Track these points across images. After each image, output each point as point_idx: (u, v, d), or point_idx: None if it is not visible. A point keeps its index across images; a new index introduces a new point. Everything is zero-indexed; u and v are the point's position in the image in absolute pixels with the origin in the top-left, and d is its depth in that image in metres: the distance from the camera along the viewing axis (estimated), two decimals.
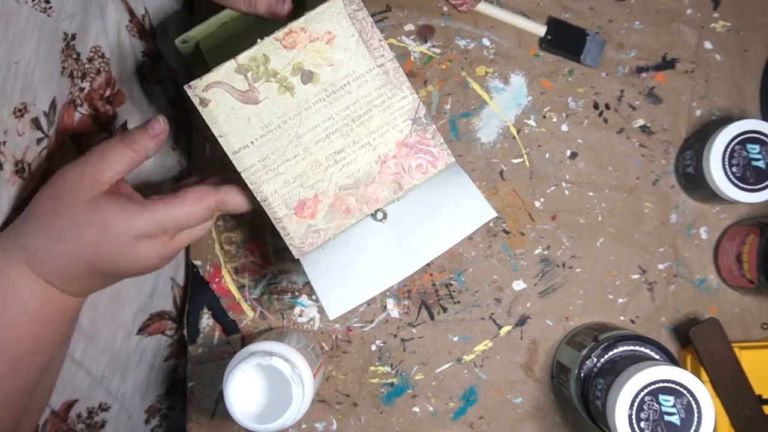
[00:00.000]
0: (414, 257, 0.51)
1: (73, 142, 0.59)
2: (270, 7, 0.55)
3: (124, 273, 0.52)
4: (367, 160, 0.51)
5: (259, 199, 0.51)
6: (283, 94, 0.50)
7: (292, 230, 0.52)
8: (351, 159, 0.51)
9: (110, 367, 0.67)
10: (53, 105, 0.56)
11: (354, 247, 0.52)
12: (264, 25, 0.54)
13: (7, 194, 0.51)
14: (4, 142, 0.51)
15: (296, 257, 0.52)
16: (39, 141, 0.54)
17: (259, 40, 0.49)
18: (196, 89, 0.50)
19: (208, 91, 0.50)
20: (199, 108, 0.50)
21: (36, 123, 0.54)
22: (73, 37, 0.58)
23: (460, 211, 0.51)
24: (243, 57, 0.49)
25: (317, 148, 0.51)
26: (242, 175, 0.51)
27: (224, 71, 0.50)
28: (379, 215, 0.52)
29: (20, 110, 0.52)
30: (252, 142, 0.51)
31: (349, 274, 0.51)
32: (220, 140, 0.50)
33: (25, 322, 0.50)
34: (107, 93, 0.63)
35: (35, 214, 0.50)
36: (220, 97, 0.50)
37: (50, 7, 0.54)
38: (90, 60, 0.61)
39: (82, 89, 0.60)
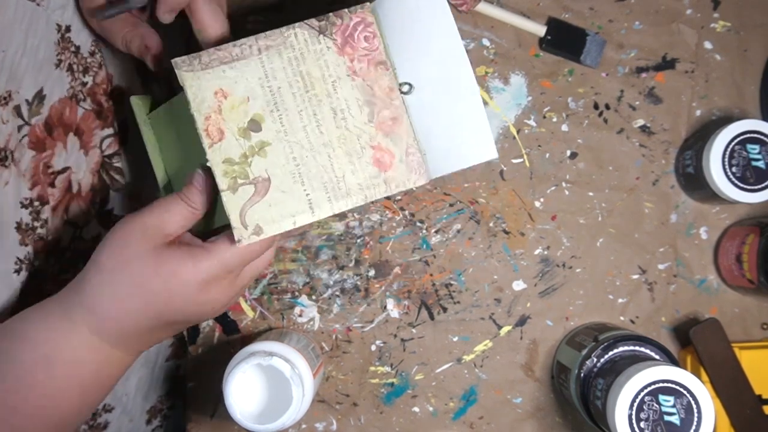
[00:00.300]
0: (462, 76, 0.51)
1: (77, 136, 0.59)
2: (141, 52, 0.54)
3: (192, 319, 0.51)
4: (348, 88, 0.51)
5: (364, 203, 0.51)
6: (266, 154, 0.49)
7: (399, 179, 0.51)
8: (344, 104, 0.50)
9: None
10: (39, 95, 0.55)
11: (432, 123, 0.52)
12: (190, 153, 0.54)
13: None
14: None
15: (429, 180, 0.52)
16: (20, 128, 0.53)
17: (208, 163, 0.48)
18: (244, 237, 0.49)
19: (248, 225, 0.49)
20: (260, 238, 0.49)
21: (17, 110, 0.53)
22: (68, 29, 0.57)
23: (424, 22, 0.51)
24: (222, 183, 0.48)
25: (327, 134, 0.50)
26: (326, 217, 0.51)
27: (233, 206, 0.48)
28: (405, 88, 0.51)
29: (5, 98, 0.51)
30: (307, 195, 0.50)
31: (458, 132, 0.51)
32: (296, 225, 0.50)
33: (76, 387, 0.50)
34: (109, 88, 0.63)
35: (99, 267, 0.49)
36: (257, 211, 0.49)
37: None
38: (92, 54, 0.60)
39: (84, 84, 0.59)
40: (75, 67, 0.58)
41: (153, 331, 0.50)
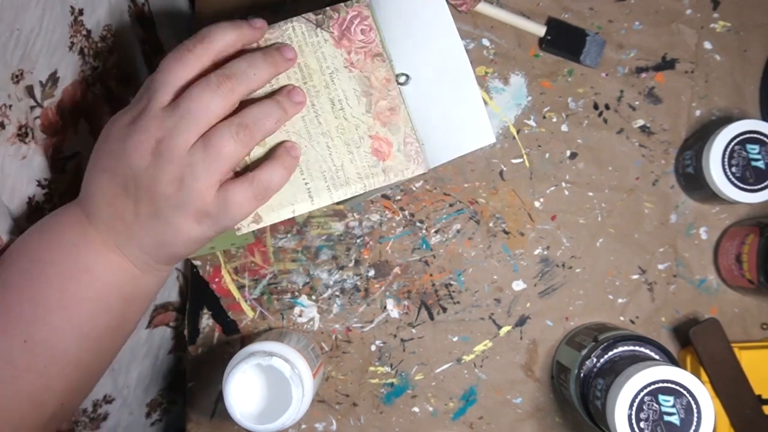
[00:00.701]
0: (457, 64, 0.51)
1: (87, 121, 0.59)
2: None
3: (135, 172, 0.48)
4: (345, 79, 0.51)
5: (363, 193, 0.51)
6: (265, 143, 0.50)
7: (398, 168, 0.52)
8: (342, 94, 0.51)
9: (119, 359, 0.67)
10: (53, 77, 0.55)
11: (429, 112, 0.52)
12: None
13: (5, 152, 0.51)
14: (10, 106, 0.51)
15: (428, 170, 0.52)
16: (32, 108, 0.53)
17: None
18: (244, 226, 0.50)
19: (248, 224, 0.50)
20: (261, 226, 0.50)
21: (29, 91, 0.53)
22: (81, 12, 0.57)
23: (421, 18, 0.52)
24: None
25: (325, 124, 0.51)
26: (339, 201, 0.51)
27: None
28: (402, 79, 0.52)
29: (17, 76, 0.51)
30: (306, 184, 0.50)
31: (455, 120, 0.52)
32: (296, 214, 0.50)
33: (101, 296, 0.50)
34: (119, 73, 0.63)
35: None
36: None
37: None
38: (103, 39, 0.60)
39: (95, 68, 0.59)
40: (86, 50, 0.58)
41: (122, 205, 0.48)
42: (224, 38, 0.47)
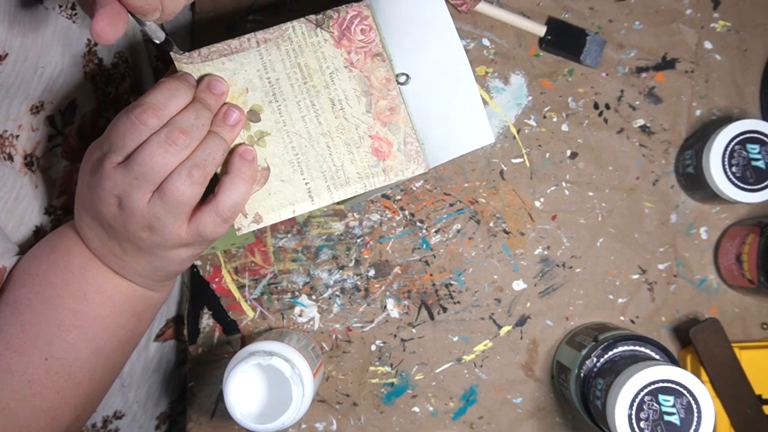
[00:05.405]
0: (457, 65, 0.52)
1: None
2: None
3: (99, 207, 0.49)
4: (345, 79, 0.52)
5: (363, 193, 0.52)
6: (265, 143, 0.50)
7: (398, 168, 0.52)
8: (342, 94, 0.51)
9: (130, 375, 0.68)
10: (73, 105, 0.56)
11: (429, 112, 0.53)
12: None
13: (21, 183, 0.53)
14: (17, 136, 0.52)
15: (428, 169, 0.52)
16: (51, 137, 0.55)
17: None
18: (244, 226, 0.50)
19: (248, 213, 0.50)
20: (261, 226, 0.50)
21: (51, 120, 0.55)
22: (96, 43, 0.59)
23: (420, 18, 0.53)
24: (221, 172, 0.49)
25: (325, 124, 0.51)
26: (339, 201, 0.52)
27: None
28: (402, 79, 0.52)
29: (37, 107, 0.53)
30: (306, 184, 0.51)
31: (455, 120, 0.52)
32: (296, 214, 0.50)
33: (114, 314, 0.52)
34: (132, 98, 0.64)
35: None
36: (257, 199, 0.50)
37: (75, 14, 0.55)
38: (114, 66, 0.62)
39: (107, 94, 0.61)
40: (98, 78, 0.60)
41: (109, 242, 0.50)
42: (177, 104, 0.46)
